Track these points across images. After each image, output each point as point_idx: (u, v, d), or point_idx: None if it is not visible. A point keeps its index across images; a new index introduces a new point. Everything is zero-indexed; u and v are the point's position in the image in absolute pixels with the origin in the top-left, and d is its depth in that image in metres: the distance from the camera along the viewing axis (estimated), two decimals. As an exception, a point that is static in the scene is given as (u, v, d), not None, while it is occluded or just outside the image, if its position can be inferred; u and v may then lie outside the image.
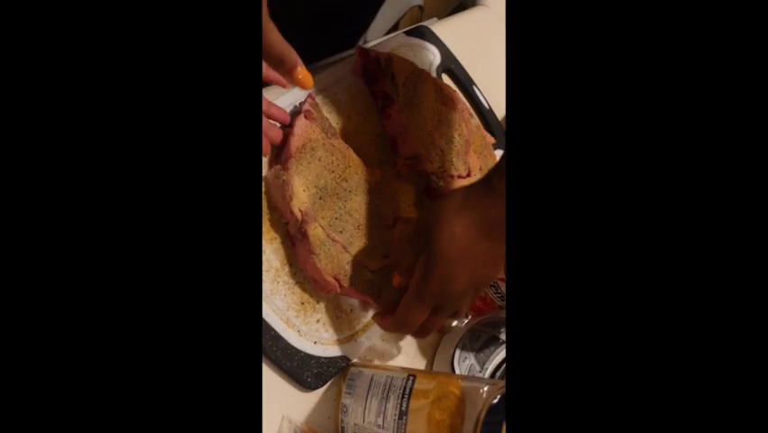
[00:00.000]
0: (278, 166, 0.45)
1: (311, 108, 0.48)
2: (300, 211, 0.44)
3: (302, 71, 0.41)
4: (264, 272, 0.44)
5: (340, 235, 0.45)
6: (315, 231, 0.44)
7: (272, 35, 0.39)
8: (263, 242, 0.45)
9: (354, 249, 0.46)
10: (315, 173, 0.46)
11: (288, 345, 0.44)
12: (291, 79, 0.41)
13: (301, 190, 0.44)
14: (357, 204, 0.47)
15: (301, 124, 0.46)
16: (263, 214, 0.46)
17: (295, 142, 0.45)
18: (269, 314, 0.44)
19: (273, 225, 0.46)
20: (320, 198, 0.45)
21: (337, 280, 0.44)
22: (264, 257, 0.45)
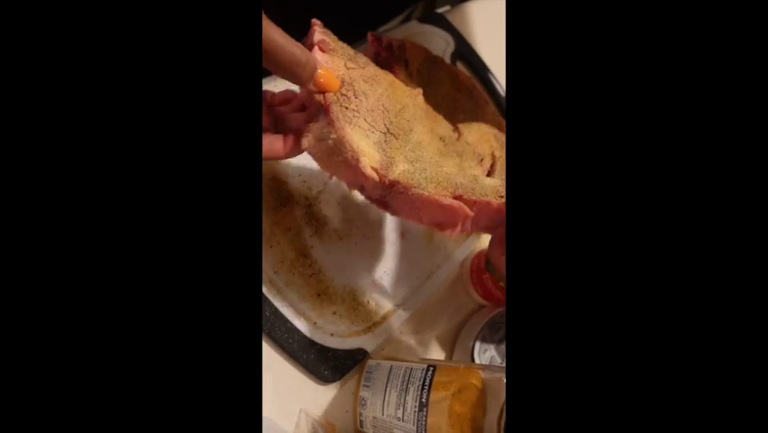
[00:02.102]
0: (318, 124, 0.34)
1: (324, 37, 0.35)
2: (375, 170, 0.34)
3: (324, 74, 0.32)
4: (279, 263, 0.44)
5: (423, 162, 0.36)
6: (401, 169, 0.34)
7: (275, 36, 0.29)
8: (279, 233, 0.44)
9: (444, 164, 0.37)
10: (368, 113, 0.35)
11: (305, 337, 0.43)
12: (311, 86, 0.32)
13: (363, 143, 0.34)
14: (420, 133, 0.37)
15: (319, 60, 0.33)
16: (281, 204, 0.45)
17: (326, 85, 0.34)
18: (285, 306, 0.43)
19: (287, 216, 0.45)
20: (385, 142, 0.35)
21: (458, 197, 0.35)
22: (279, 249, 0.44)
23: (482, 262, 0.50)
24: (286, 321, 0.43)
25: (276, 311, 0.42)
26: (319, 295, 0.45)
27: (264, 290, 0.42)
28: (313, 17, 0.36)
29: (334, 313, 0.45)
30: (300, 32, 0.34)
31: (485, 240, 0.55)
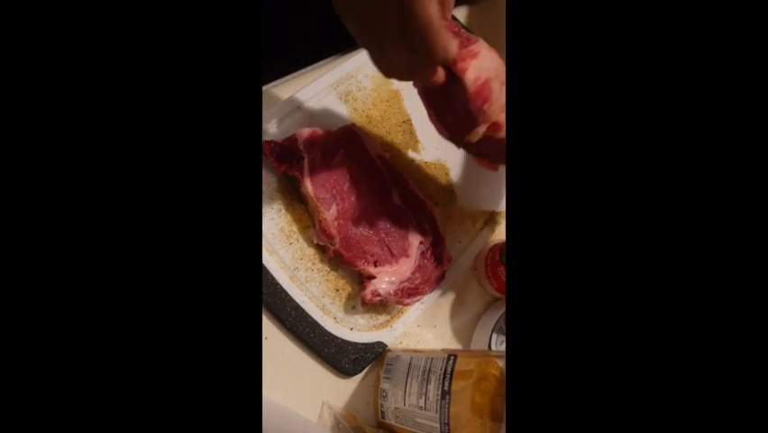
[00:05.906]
0: None
1: None
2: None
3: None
4: (299, 260, 0.45)
5: None
6: None
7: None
8: (298, 230, 0.45)
9: None
10: None
11: (325, 331, 0.44)
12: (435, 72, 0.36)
13: None
14: None
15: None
16: (299, 201, 0.46)
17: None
18: (306, 301, 0.44)
19: (305, 213, 0.46)
20: None
21: None
22: (298, 246, 0.45)
23: (497, 255, 0.51)
24: (307, 316, 0.44)
25: (297, 307, 0.43)
26: (338, 290, 0.46)
27: (285, 286, 0.43)
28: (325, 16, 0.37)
29: (353, 308, 0.46)
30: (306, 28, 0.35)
31: (500, 234, 0.56)
